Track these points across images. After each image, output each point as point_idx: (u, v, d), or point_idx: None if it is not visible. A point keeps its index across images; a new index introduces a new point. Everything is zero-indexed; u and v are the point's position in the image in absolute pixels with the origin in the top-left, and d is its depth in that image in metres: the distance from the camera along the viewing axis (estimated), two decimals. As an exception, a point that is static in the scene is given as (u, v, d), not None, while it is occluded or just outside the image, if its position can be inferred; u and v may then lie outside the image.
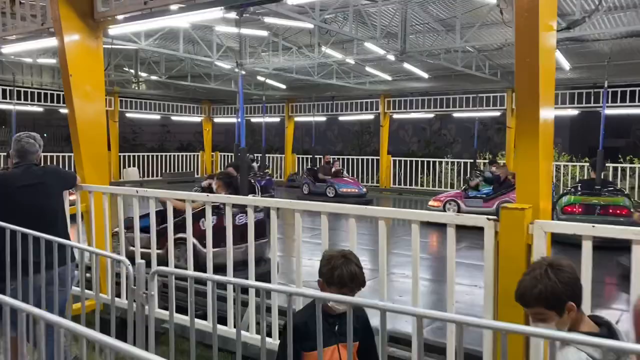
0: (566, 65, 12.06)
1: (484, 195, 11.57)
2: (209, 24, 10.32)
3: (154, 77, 15.90)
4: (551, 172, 2.73)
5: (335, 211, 3.23)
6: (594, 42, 11.49)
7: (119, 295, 4.57)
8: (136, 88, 18.72)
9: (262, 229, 5.59)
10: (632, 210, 8.98)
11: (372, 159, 18.21)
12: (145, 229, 4.57)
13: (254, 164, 15.32)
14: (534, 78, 2.66)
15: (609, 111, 14.34)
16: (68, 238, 4.15)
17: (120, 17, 4.81)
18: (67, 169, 14.32)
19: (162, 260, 4.25)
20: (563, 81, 14.47)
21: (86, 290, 4.60)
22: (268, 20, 9.18)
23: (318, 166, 15.92)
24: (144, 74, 15.62)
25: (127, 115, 20.38)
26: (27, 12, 5.52)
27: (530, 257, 2.56)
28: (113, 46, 12.50)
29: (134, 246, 4.39)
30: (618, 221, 8.56)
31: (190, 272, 2.96)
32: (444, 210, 11.40)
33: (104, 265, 4.66)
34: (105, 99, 16.34)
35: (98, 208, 4.63)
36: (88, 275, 4.67)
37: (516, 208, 2.59)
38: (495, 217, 2.66)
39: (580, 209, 9.03)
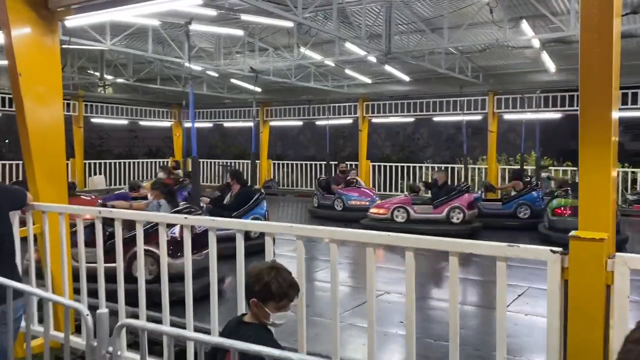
0: (552, 67, 11.74)
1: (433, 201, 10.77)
2: (181, 20, 9.60)
3: (120, 80, 15.01)
4: (616, 188, 2.16)
5: (346, 238, 2.62)
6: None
7: (78, 329, 3.88)
8: (102, 92, 17.79)
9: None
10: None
11: (350, 165, 17.63)
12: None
13: (179, 171, 13.45)
14: (605, 71, 2.12)
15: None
16: (15, 268, 3.45)
17: (78, 5, 4.11)
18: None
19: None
20: (547, 84, 14.23)
21: (38, 327, 3.91)
22: (245, 18, 8.53)
23: (332, 175, 14.24)
24: (110, 77, 14.73)
25: (93, 120, 19.36)
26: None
27: (610, 302, 2.01)
28: (76, 46, 11.69)
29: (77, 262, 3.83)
30: None
31: (167, 327, 2.31)
32: (392, 218, 10.64)
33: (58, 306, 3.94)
34: (69, 103, 15.38)
35: (54, 230, 3.91)
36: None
37: (592, 238, 2.02)
38: (561, 248, 2.09)
39: (569, 211, 9.39)
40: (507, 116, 15.34)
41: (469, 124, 26.96)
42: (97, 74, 14.44)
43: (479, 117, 15.63)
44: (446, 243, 2.33)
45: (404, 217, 10.58)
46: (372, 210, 11.03)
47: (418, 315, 5.66)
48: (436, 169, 14.52)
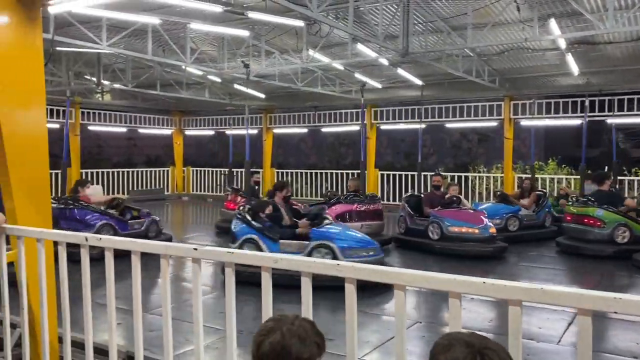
0: (576, 70, 11.10)
1: None
2: (184, 19, 8.96)
3: (118, 86, 14.36)
4: None
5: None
6: (606, 46, 10.56)
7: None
8: (100, 98, 17.15)
9: None
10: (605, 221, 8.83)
11: (358, 173, 16.92)
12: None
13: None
14: None
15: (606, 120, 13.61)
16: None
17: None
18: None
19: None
20: (569, 88, 13.60)
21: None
22: (253, 15, 7.87)
23: (425, 192, 10.86)
24: (107, 82, 14.07)
25: (90, 128, 18.69)
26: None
27: None
28: (72, 49, 11.04)
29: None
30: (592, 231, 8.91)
31: None
32: None
33: (37, 343, 3.24)
34: (66, 110, 14.79)
35: (31, 260, 3.21)
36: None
37: None
38: None
39: (570, 218, 9.42)
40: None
41: (475, 131, 26.48)
42: (94, 79, 13.80)
43: (494, 124, 14.96)
44: (597, 298, 1.62)
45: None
46: None
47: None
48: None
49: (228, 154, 28.85)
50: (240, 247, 6.95)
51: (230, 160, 15.47)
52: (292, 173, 18.88)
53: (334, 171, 17.78)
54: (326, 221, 7.34)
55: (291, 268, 2.16)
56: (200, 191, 19.76)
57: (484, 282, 1.72)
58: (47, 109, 4.19)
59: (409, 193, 11.65)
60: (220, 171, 20.20)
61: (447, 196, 9.57)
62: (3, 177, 3.59)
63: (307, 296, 2.13)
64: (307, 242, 6.91)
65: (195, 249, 2.36)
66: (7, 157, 3.53)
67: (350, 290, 2.04)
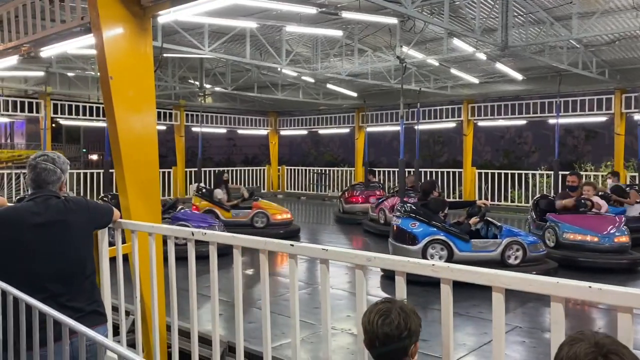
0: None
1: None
2: (280, 22, 9.23)
3: (219, 89, 15.08)
4: None
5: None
6: None
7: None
8: (202, 101, 18.11)
9: None
10: None
11: (453, 172, 16.51)
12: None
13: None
14: None
15: None
16: (96, 296, 3.03)
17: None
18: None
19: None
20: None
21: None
22: (346, 15, 7.93)
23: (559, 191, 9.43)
24: (209, 86, 14.83)
25: (193, 129, 19.79)
26: (66, 5, 4.53)
27: None
28: (177, 55, 11.77)
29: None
30: None
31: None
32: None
33: (148, 330, 3.50)
34: (171, 113, 15.68)
35: (143, 252, 3.47)
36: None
37: None
38: None
39: None
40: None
41: (582, 127, 24.80)
42: (197, 83, 14.60)
43: (603, 119, 13.94)
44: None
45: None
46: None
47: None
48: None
49: (320, 152, 29.41)
50: (425, 248, 6.77)
51: (366, 159, 16.00)
52: (383, 172, 18.77)
53: (427, 170, 17.43)
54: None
55: (385, 267, 2.17)
56: (294, 189, 20.23)
57: (589, 287, 1.63)
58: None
59: (540, 194, 10.60)
60: (313, 170, 20.52)
61: (581, 198, 8.04)
62: (119, 177, 3.92)
63: (402, 294, 2.12)
64: (499, 240, 6.80)
65: (292, 245, 2.43)
66: (122, 159, 3.85)
67: (446, 291, 2.01)
